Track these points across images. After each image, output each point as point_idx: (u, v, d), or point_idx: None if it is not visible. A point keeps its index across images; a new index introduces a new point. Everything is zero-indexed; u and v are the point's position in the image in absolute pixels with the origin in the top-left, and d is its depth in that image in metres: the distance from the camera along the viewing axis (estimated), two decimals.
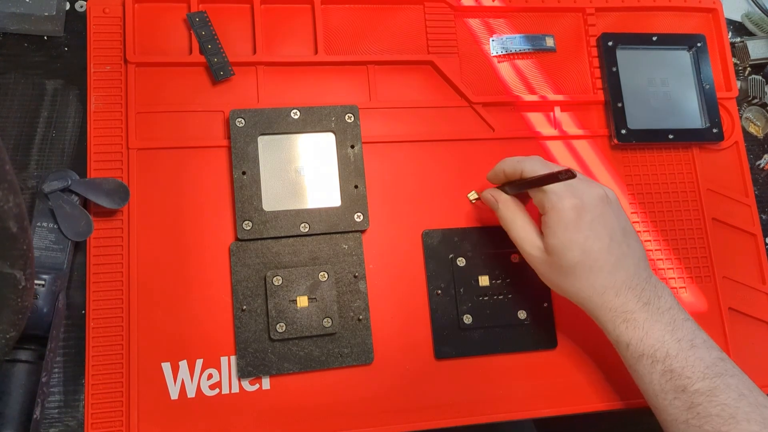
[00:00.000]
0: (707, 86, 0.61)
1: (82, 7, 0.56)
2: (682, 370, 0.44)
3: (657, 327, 0.45)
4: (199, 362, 0.49)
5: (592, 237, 0.46)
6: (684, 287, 0.57)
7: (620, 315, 0.46)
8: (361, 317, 0.51)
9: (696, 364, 0.44)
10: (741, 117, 0.65)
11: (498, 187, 0.53)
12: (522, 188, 0.50)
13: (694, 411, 0.43)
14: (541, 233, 0.48)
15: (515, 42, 0.60)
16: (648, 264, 0.49)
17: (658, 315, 0.46)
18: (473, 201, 0.55)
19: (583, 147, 0.59)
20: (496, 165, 0.52)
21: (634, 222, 0.58)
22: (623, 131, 0.58)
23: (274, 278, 0.50)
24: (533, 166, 0.48)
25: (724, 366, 0.44)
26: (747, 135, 0.65)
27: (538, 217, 0.49)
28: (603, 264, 0.46)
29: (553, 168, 0.48)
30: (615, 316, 0.46)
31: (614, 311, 0.46)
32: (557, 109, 0.59)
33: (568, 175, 0.44)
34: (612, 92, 0.59)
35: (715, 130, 0.60)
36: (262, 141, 0.53)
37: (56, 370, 0.49)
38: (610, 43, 0.60)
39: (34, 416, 0.44)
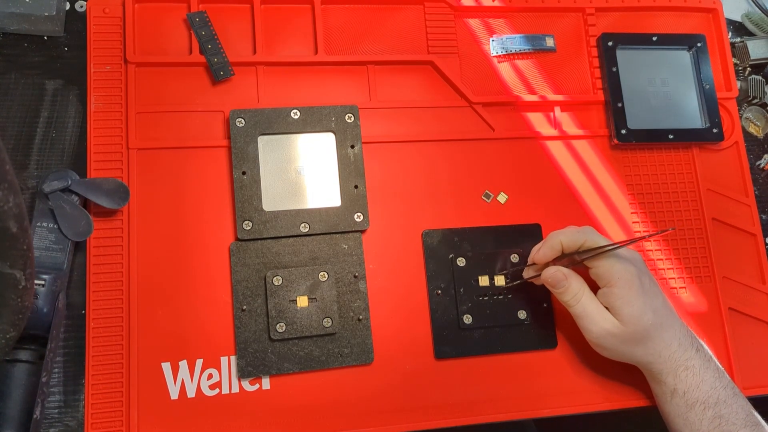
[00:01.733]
0: (707, 86, 0.61)
1: (82, 7, 0.56)
2: (728, 416, 0.46)
3: (709, 374, 0.47)
4: (199, 362, 0.49)
5: (653, 296, 0.48)
6: (684, 287, 0.57)
7: (682, 363, 0.48)
8: (361, 317, 0.51)
9: (739, 412, 0.46)
10: (741, 117, 0.65)
11: (550, 263, 0.50)
12: (582, 259, 0.48)
13: None
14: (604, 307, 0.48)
15: (515, 42, 0.60)
16: None
17: (707, 361, 0.48)
18: (509, 284, 0.53)
19: (583, 147, 0.59)
20: (545, 240, 0.50)
21: (634, 222, 0.58)
22: (623, 131, 0.58)
23: (274, 278, 0.50)
24: (593, 236, 0.48)
25: (757, 416, 0.48)
26: (747, 135, 0.64)
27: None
28: (667, 318, 0.48)
29: (604, 238, 0.49)
30: (677, 366, 0.48)
31: (677, 361, 0.48)
32: (557, 109, 0.59)
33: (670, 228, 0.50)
34: (612, 92, 0.59)
35: (715, 130, 0.60)
36: (262, 141, 0.53)
37: (56, 370, 0.49)
38: (610, 43, 0.60)
39: (34, 416, 0.44)
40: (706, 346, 0.49)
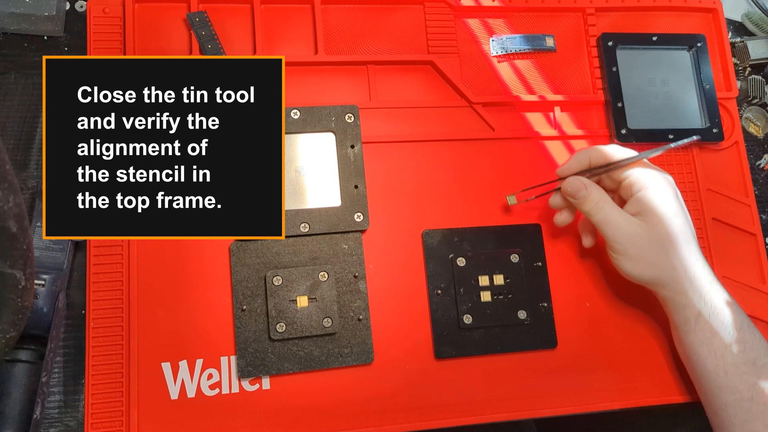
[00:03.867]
0: (707, 86, 0.61)
1: (82, 7, 0.56)
2: (752, 342, 0.45)
3: (728, 296, 0.47)
4: (199, 362, 0.49)
5: (684, 207, 0.49)
6: None
7: (706, 285, 0.47)
8: (361, 317, 0.51)
9: (761, 340, 0.45)
10: (741, 117, 0.65)
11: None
12: (609, 170, 0.50)
13: (759, 387, 0.44)
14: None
15: (515, 42, 0.60)
16: None
17: (721, 286, 0.48)
18: (512, 204, 0.55)
19: (583, 147, 0.59)
20: (573, 156, 0.52)
21: None
22: (623, 131, 0.58)
23: (274, 278, 0.50)
24: (622, 151, 0.50)
25: None
26: (747, 135, 0.65)
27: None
28: (692, 233, 0.48)
29: (632, 151, 0.50)
30: (702, 285, 0.47)
31: (701, 280, 0.47)
32: (557, 109, 0.59)
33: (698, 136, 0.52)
34: (612, 92, 0.59)
35: (715, 130, 0.60)
36: None
37: (56, 370, 0.49)
38: (610, 43, 0.60)
39: (34, 416, 0.44)
40: None
